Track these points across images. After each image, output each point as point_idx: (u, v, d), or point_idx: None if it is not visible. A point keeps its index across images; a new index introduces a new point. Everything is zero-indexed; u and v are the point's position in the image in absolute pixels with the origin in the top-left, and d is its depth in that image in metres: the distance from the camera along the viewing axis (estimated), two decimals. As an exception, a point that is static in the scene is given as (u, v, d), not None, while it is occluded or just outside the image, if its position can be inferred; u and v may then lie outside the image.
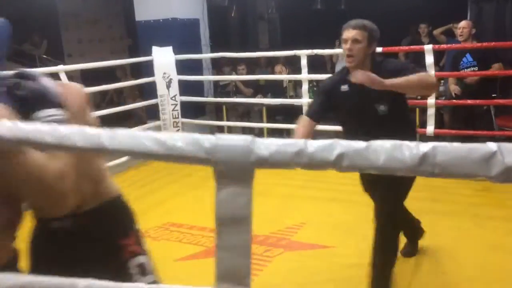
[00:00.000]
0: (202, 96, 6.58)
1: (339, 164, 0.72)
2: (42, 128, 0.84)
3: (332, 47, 6.04)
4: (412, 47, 5.50)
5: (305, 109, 4.81)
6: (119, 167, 4.89)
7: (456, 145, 0.75)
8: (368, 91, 2.26)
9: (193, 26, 6.56)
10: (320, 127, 2.62)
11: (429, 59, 4.69)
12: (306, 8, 9.33)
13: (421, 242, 3.12)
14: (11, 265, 1.17)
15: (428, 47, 4.74)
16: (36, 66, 5.19)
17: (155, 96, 5.96)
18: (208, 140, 0.76)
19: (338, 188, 4.23)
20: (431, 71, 4.70)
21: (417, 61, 5.73)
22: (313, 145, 0.73)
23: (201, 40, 6.69)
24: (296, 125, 2.53)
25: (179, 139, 0.77)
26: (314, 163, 0.72)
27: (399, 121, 2.45)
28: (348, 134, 2.53)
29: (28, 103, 1.14)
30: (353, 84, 2.31)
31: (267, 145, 0.74)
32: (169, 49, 5.92)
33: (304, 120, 2.48)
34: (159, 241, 3.56)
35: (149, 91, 6.24)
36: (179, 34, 6.33)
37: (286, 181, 4.62)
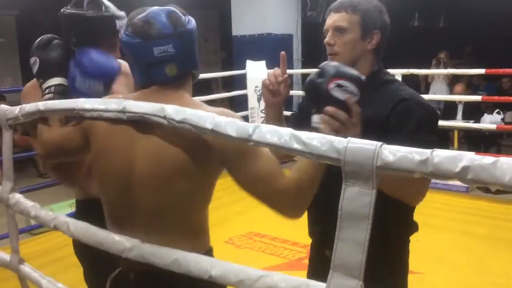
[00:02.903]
0: (291, 110, 6.64)
1: (463, 176, 0.73)
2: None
3: (428, 66, 5.84)
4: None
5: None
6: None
7: None
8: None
9: (286, 41, 6.68)
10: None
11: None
12: (403, 25, 9.09)
13: None
14: None
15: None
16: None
17: (246, 108, 6.13)
18: (340, 142, 0.83)
19: (430, 213, 4.06)
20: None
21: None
22: (440, 155, 0.74)
23: (293, 55, 6.79)
24: None
25: (315, 138, 0.85)
26: (438, 173, 0.74)
27: None
28: None
29: None
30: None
31: (393, 151, 0.78)
32: (262, 63, 6.08)
33: None
34: (243, 249, 3.65)
35: (239, 103, 6.43)
36: (272, 49, 6.47)
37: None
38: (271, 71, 1.49)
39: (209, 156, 1.15)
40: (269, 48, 6.44)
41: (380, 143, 0.81)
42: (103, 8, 1.60)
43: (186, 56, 1.20)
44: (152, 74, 1.18)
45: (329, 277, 0.86)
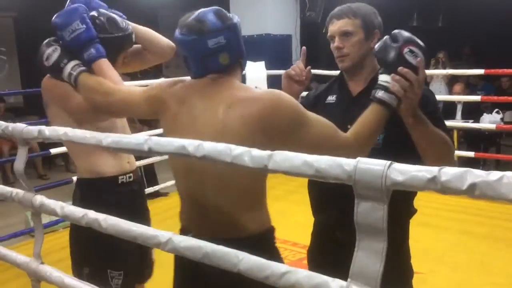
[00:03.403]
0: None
1: (470, 194, 0.76)
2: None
3: (427, 67, 5.84)
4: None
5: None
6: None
7: None
8: (362, 105, 1.46)
9: (285, 41, 6.69)
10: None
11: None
12: (402, 25, 9.06)
13: None
14: None
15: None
16: (137, 78, 5.58)
17: (245, 109, 6.13)
18: (348, 164, 0.87)
19: (430, 213, 4.06)
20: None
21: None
22: (447, 173, 0.77)
23: (292, 55, 6.80)
24: None
25: (324, 162, 0.90)
26: (446, 190, 0.78)
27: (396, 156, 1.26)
28: None
29: None
30: (342, 95, 1.71)
31: (402, 171, 0.82)
32: (262, 64, 6.09)
33: None
34: (242, 251, 3.64)
35: (239, 104, 6.44)
36: (271, 49, 6.49)
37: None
38: (298, 62, 1.69)
39: (266, 133, 1.30)
40: (268, 48, 6.45)
41: (388, 162, 0.85)
42: (120, 26, 1.82)
43: (235, 46, 1.38)
44: (207, 64, 1.37)
45: (346, 284, 0.89)
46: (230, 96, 1.36)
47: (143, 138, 1.14)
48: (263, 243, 1.40)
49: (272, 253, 1.39)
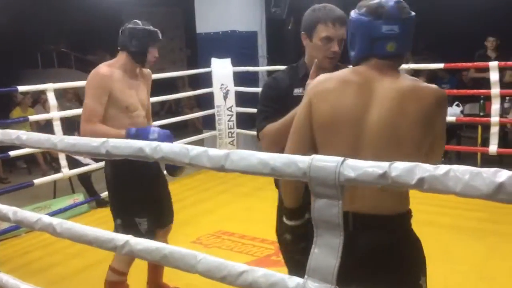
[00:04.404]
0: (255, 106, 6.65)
1: (420, 187, 0.79)
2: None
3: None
4: (476, 64, 5.32)
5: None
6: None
7: None
8: None
9: (251, 38, 6.67)
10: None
11: (494, 76, 4.51)
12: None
13: (483, 264, 2.98)
14: None
15: (493, 64, 4.56)
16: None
17: (212, 107, 6.09)
18: (303, 161, 0.88)
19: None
20: (496, 89, 4.52)
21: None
22: (397, 168, 0.80)
23: (258, 52, 6.79)
24: (270, 137, 1.92)
25: (279, 160, 0.91)
26: (397, 185, 0.81)
27: None
28: None
29: None
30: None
31: (354, 167, 0.84)
32: (228, 61, 6.05)
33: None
34: (211, 249, 3.62)
35: (206, 101, 6.39)
36: (237, 46, 6.46)
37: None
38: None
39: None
40: (234, 45, 6.41)
41: (342, 159, 0.87)
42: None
43: (405, 38, 1.43)
44: (374, 48, 1.42)
45: (303, 281, 0.91)
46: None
47: (100, 141, 1.11)
48: (407, 222, 1.49)
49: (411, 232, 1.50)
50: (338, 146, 1.35)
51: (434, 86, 1.43)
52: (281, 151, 1.72)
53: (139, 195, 2.51)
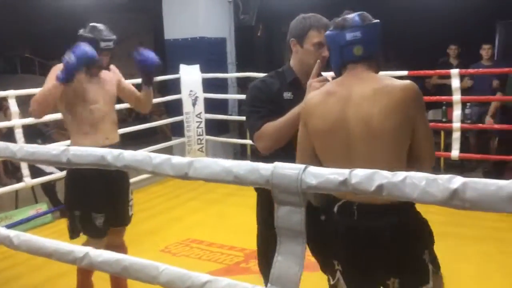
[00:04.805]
0: (227, 114, 6.65)
1: (379, 194, 0.81)
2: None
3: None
4: (438, 71, 5.47)
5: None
6: (143, 181, 4.96)
7: (486, 181, 0.80)
8: None
9: (220, 45, 6.67)
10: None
11: (455, 83, 4.66)
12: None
13: (446, 267, 3.06)
14: None
15: (454, 72, 4.71)
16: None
17: (181, 113, 6.06)
18: (266, 169, 0.90)
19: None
20: (457, 95, 4.67)
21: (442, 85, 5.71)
22: (357, 175, 0.82)
23: (227, 58, 6.80)
24: (269, 139, 1.95)
25: (243, 168, 0.92)
26: (357, 192, 0.83)
27: None
28: (286, 150, 1.89)
29: None
30: (299, 92, 1.94)
31: (316, 174, 0.86)
32: (196, 67, 6.03)
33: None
34: (179, 257, 3.59)
35: (174, 108, 6.34)
36: (206, 52, 6.44)
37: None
38: (317, 76, 1.90)
39: None
40: (203, 51, 6.40)
41: (303, 166, 0.88)
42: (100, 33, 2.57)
43: (370, 41, 1.58)
44: (344, 54, 1.59)
45: None
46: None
47: (61, 149, 1.09)
48: (411, 207, 1.58)
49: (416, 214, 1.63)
50: (334, 149, 1.54)
51: (406, 81, 1.54)
52: (279, 150, 1.90)
53: (100, 190, 2.54)
